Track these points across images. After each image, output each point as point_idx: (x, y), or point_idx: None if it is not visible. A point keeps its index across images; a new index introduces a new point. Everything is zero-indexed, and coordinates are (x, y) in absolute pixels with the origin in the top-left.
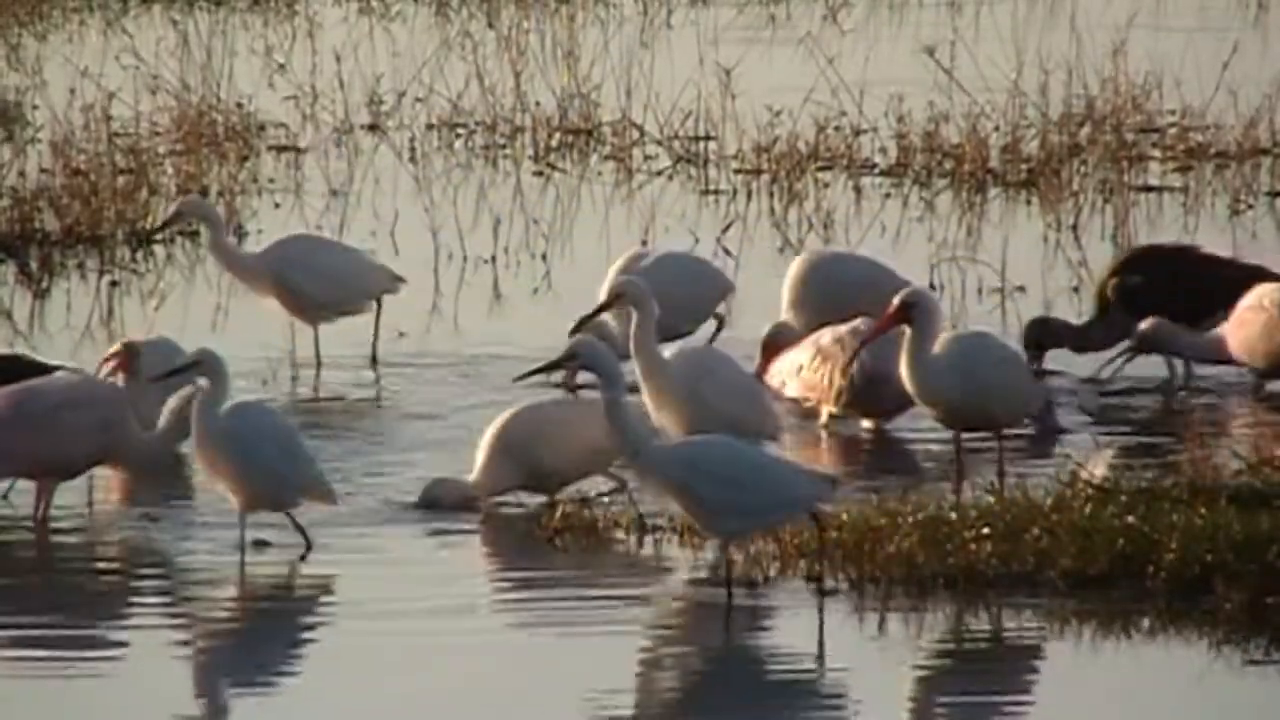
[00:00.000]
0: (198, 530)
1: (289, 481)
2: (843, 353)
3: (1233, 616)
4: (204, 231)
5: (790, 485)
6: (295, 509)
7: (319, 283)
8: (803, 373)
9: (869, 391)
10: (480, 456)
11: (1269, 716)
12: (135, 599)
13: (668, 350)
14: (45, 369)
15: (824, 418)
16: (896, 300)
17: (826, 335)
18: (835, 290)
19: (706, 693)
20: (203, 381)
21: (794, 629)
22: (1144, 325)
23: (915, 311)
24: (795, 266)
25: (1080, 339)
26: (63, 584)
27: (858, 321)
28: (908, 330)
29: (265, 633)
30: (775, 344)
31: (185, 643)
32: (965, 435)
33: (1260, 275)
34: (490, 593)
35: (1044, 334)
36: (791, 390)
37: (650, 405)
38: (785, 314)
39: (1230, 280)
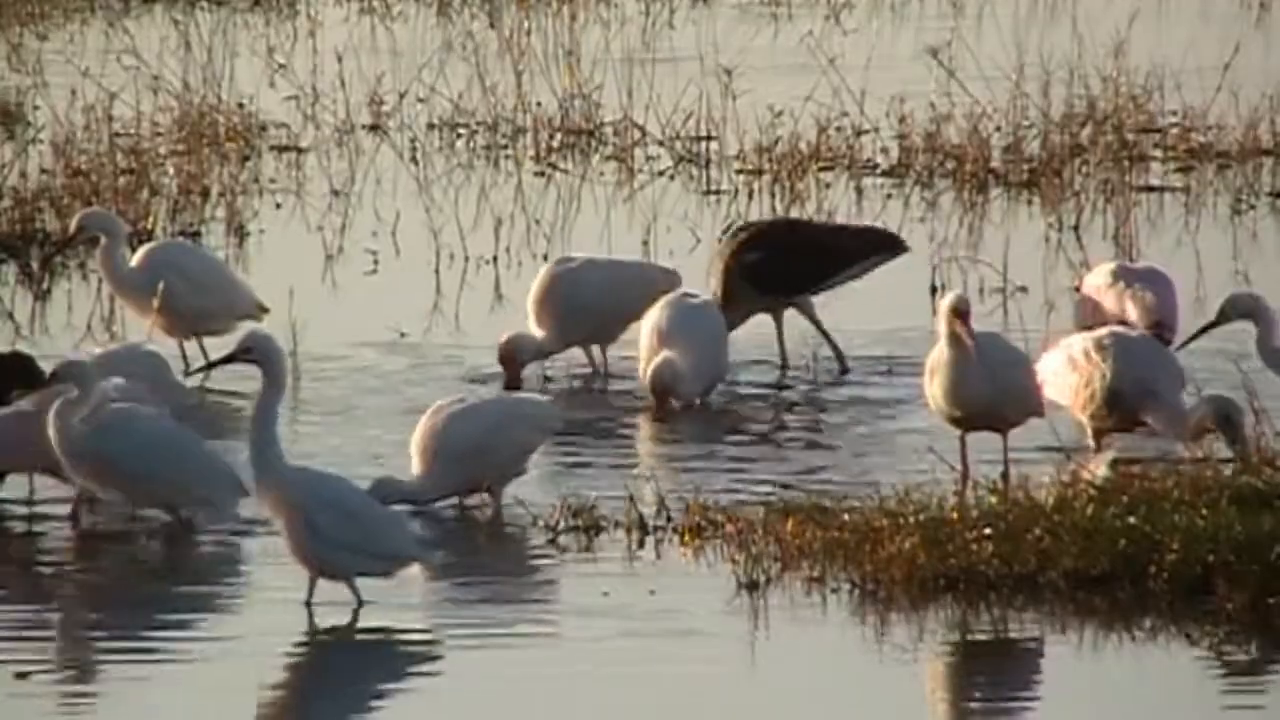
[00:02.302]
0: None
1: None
2: (1090, 363)
3: (1234, 617)
4: (102, 241)
5: (395, 537)
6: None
7: (191, 288)
8: (1056, 378)
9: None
10: (420, 460)
11: (1270, 717)
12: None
13: None
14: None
15: (1089, 434)
16: (958, 307)
17: (1077, 343)
18: (577, 300)
19: (705, 696)
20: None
21: (795, 631)
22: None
23: (969, 317)
24: (537, 280)
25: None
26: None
27: (1105, 331)
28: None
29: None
30: (511, 356)
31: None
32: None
33: (868, 236)
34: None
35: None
36: (1051, 393)
37: None
38: (533, 327)
39: (833, 247)
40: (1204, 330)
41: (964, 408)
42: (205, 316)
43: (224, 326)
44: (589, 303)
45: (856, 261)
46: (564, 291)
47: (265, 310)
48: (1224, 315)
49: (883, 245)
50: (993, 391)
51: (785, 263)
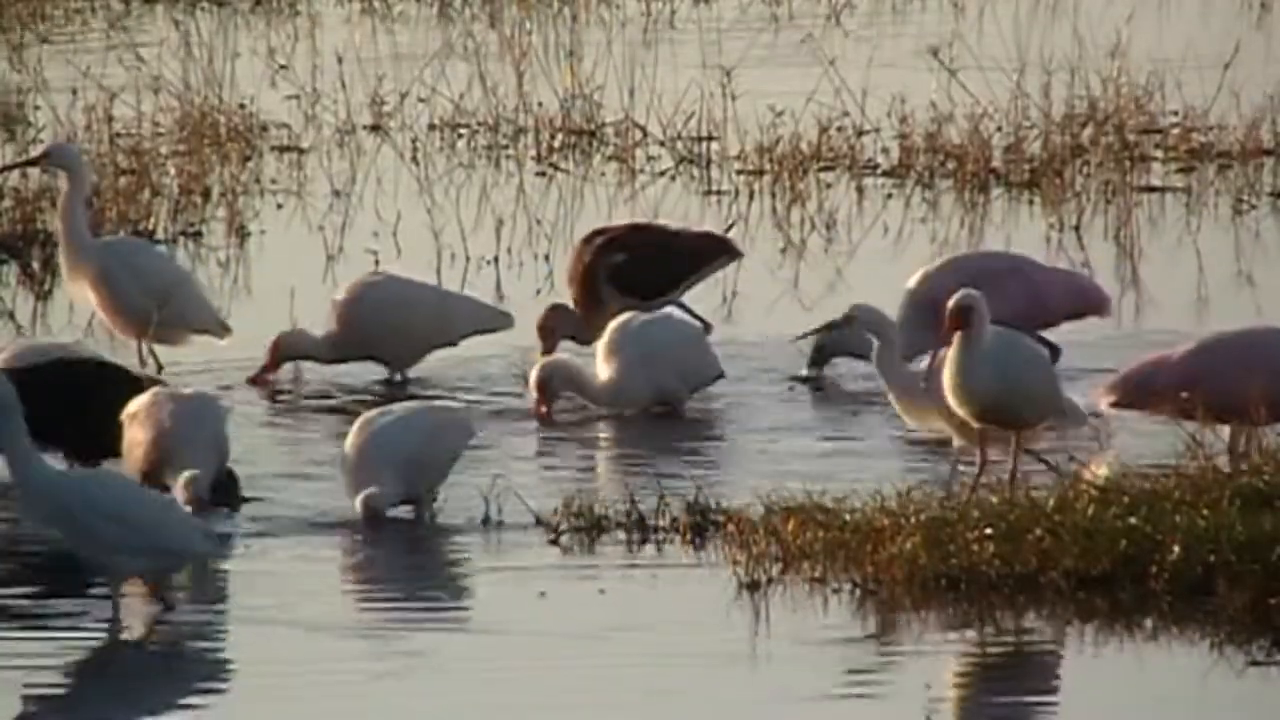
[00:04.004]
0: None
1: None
2: None
3: (1235, 617)
4: (64, 184)
5: (177, 533)
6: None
7: (139, 288)
8: None
9: None
10: (371, 471)
11: (1271, 718)
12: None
13: None
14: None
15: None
16: (953, 306)
17: None
18: (379, 316)
19: (705, 693)
20: None
21: (794, 631)
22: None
23: (972, 315)
24: (342, 295)
25: (582, 333)
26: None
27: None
28: (958, 334)
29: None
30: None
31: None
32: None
33: (711, 240)
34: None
35: (557, 322)
36: None
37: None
38: (333, 335)
39: (687, 250)
40: (821, 329)
41: (969, 404)
42: (148, 319)
43: (172, 335)
44: (373, 320)
45: (706, 264)
46: (356, 306)
47: (228, 330)
48: (849, 320)
49: (722, 249)
50: (1001, 390)
51: (649, 265)
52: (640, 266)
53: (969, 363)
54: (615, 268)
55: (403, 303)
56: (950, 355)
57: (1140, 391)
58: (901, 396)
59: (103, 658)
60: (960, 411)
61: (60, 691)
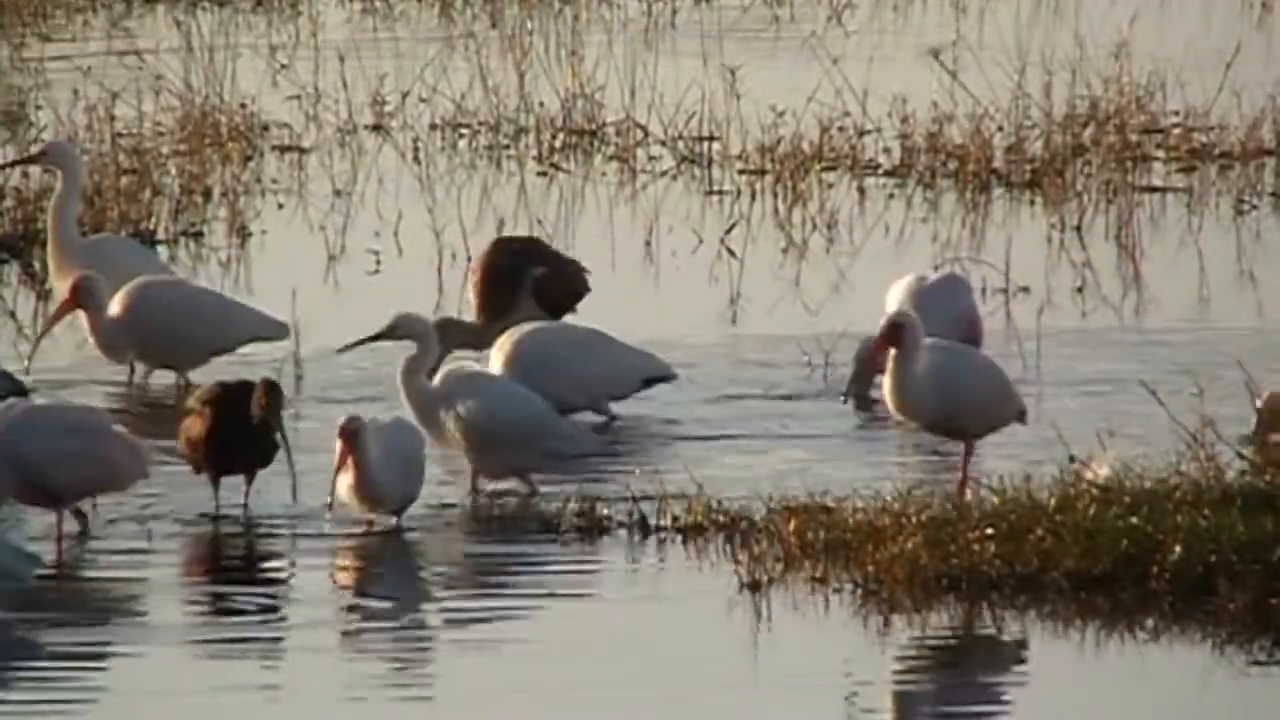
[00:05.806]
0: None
1: None
2: None
3: (1236, 617)
4: (59, 182)
5: None
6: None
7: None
8: None
9: None
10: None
11: (1272, 718)
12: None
13: None
14: None
15: None
16: (886, 322)
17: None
18: (163, 321)
19: (704, 691)
20: None
21: (795, 631)
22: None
23: (905, 333)
24: (119, 301)
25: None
26: None
27: None
28: (893, 350)
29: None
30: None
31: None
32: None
33: (578, 270)
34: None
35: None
36: None
37: None
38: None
39: (577, 273)
40: (368, 340)
41: (915, 419)
42: None
43: None
44: (155, 324)
45: (586, 291)
46: (133, 310)
47: None
48: (393, 330)
49: (584, 282)
50: (939, 405)
51: (563, 283)
52: (557, 283)
53: (907, 379)
54: (539, 280)
55: (185, 307)
56: (889, 372)
57: None
58: (416, 410)
59: None
60: (909, 425)
61: None
